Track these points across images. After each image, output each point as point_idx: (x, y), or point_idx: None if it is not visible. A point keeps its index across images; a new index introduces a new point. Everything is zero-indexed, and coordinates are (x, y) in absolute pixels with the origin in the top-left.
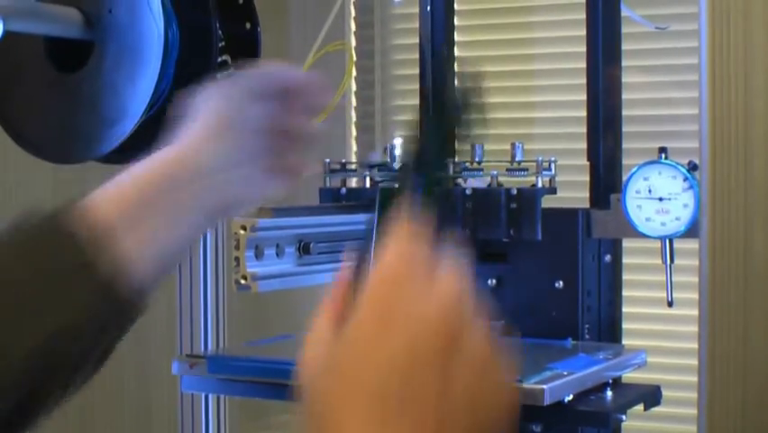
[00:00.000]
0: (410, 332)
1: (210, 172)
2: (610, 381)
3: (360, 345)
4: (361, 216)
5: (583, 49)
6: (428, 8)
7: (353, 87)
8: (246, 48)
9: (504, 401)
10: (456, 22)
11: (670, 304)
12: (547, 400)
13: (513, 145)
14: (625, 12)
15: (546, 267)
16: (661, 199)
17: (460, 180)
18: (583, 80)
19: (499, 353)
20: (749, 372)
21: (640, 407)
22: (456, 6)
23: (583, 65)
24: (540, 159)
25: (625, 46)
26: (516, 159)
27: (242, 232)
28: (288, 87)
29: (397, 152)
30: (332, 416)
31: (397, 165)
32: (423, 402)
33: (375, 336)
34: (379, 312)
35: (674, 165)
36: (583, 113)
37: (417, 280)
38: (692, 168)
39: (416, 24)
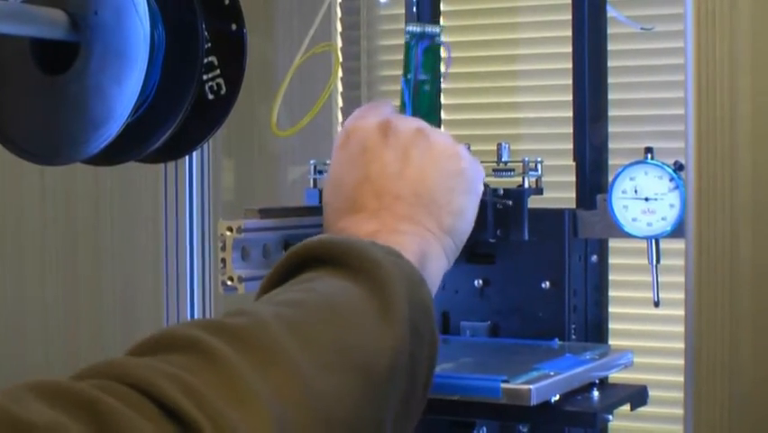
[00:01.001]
0: (358, 137)
1: None
2: (597, 381)
3: (334, 163)
4: None
5: (569, 49)
6: (414, 9)
7: (340, 89)
8: (232, 49)
9: (451, 166)
10: (442, 23)
11: (656, 304)
12: (534, 401)
13: (499, 146)
14: (610, 12)
15: (533, 268)
16: (647, 199)
17: None
18: (569, 81)
19: (431, 131)
20: (736, 371)
21: (627, 407)
22: (442, 7)
23: (569, 65)
24: (526, 159)
25: (610, 47)
26: (503, 159)
27: (228, 233)
28: None
29: None
30: (327, 218)
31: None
32: (379, 177)
33: (340, 151)
34: (343, 138)
35: (660, 165)
36: (569, 113)
37: (369, 117)
38: (678, 168)
39: (403, 26)
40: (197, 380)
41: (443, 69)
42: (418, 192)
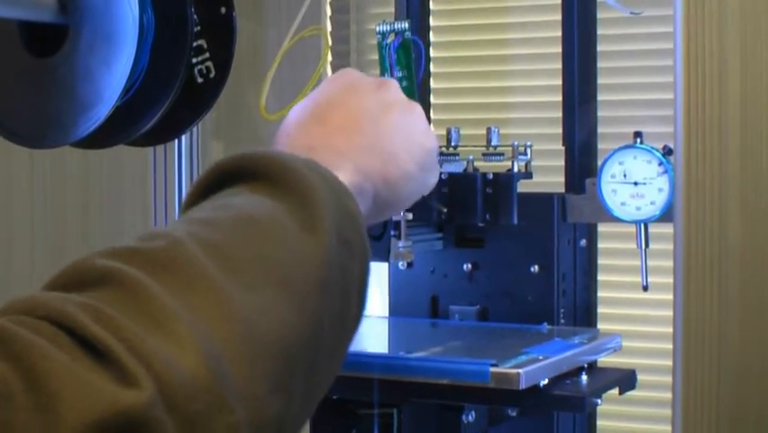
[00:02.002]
0: (351, 78)
1: None
2: (586, 365)
3: (316, 90)
4: None
5: (558, 34)
6: None
7: (329, 72)
8: (221, 32)
9: (420, 141)
10: (431, 6)
11: (645, 288)
12: (523, 385)
13: (489, 130)
14: None
15: (522, 252)
16: (636, 184)
17: None
18: (559, 65)
19: (420, 112)
20: (723, 356)
21: (615, 391)
22: None
23: (559, 49)
24: (516, 143)
25: (600, 31)
26: (492, 143)
27: None
28: None
29: None
30: (282, 129)
31: None
32: (353, 109)
33: (327, 83)
34: (336, 74)
35: (649, 149)
36: (559, 97)
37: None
38: (667, 152)
39: (392, 9)
40: (113, 309)
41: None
42: (380, 137)
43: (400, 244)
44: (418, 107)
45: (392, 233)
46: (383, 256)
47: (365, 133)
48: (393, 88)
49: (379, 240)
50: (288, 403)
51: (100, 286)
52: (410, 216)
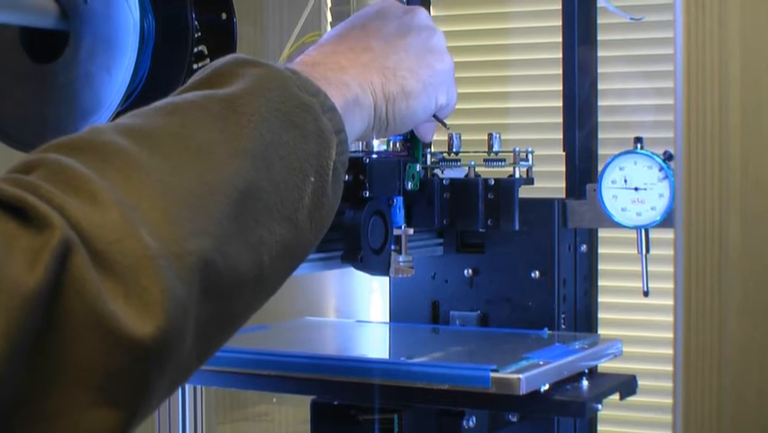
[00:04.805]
0: (381, 5)
1: None
2: (586, 370)
3: (351, 17)
4: (346, 209)
5: (559, 39)
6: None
7: None
8: (222, 38)
9: (439, 69)
10: (432, 12)
11: (645, 294)
12: (523, 390)
13: (490, 135)
14: (600, 2)
15: (523, 257)
16: (636, 189)
17: (437, 171)
18: (559, 70)
19: (440, 36)
20: (724, 360)
21: (616, 396)
22: None
23: (559, 55)
24: (517, 149)
25: (600, 36)
26: (494, 149)
27: None
28: None
29: None
30: (310, 48)
31: None
32: (370, 32)
33: (360, 11)
34: (370, 5)
35: (650, 155)
36: (559, 103)
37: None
38: (668, 158)
39: None
40: (34, 179)
41: None
42: (386, 56)
43: (401, 258)
44: (439, 33)
45: (392, 247)
46: (383, 271)
47: (373, 53)
48: (419, 15)
49: (379, 254)
50: (216, 243)
51: (29, 173)
52: (411, 231)
